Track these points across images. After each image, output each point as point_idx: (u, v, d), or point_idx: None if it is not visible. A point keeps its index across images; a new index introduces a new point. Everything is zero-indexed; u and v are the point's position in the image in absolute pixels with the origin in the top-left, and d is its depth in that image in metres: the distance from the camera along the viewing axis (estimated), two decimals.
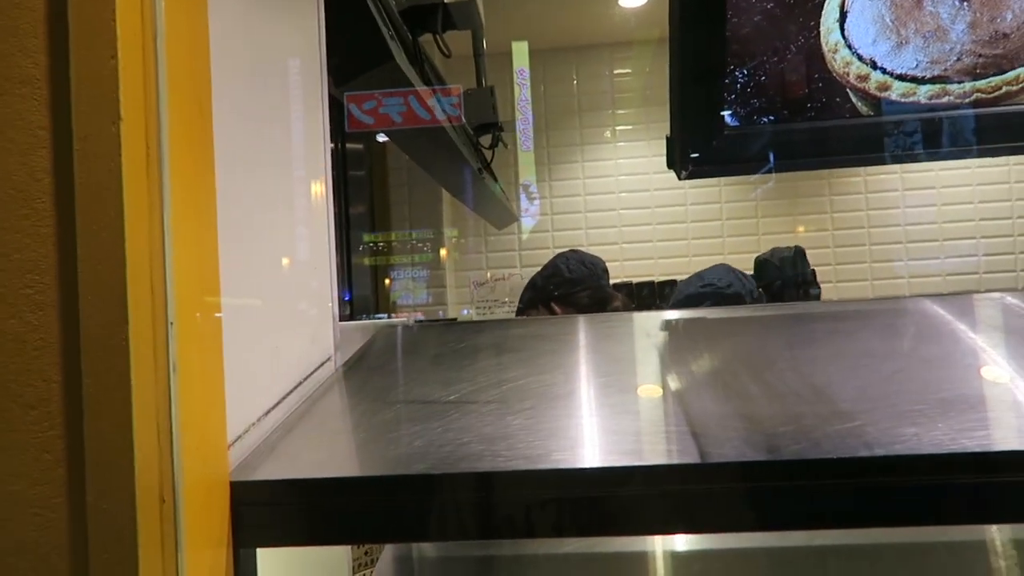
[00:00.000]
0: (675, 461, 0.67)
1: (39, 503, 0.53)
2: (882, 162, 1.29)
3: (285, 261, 0.93)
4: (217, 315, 0.65)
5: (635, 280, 3.99)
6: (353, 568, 1.15)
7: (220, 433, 0.65)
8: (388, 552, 1.28)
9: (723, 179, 4.12)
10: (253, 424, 0.77)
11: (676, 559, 1.25)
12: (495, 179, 3.23)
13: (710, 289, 2.02)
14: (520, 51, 3.56)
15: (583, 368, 1.00)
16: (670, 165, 1.29)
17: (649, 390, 0.90)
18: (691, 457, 0.68)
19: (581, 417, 0.82)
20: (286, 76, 0.98)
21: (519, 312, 2.33)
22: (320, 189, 1.06)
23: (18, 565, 0.53)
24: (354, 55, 1.28)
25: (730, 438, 0.71)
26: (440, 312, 4.22)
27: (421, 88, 1.71)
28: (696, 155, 1.21)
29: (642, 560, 1.24)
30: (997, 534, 1.18)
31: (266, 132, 0.89)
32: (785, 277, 2.53)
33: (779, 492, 0.65)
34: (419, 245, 4.07)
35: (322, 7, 1.10)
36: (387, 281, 4.12)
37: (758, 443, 0.70)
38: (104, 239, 0.53)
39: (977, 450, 0.65)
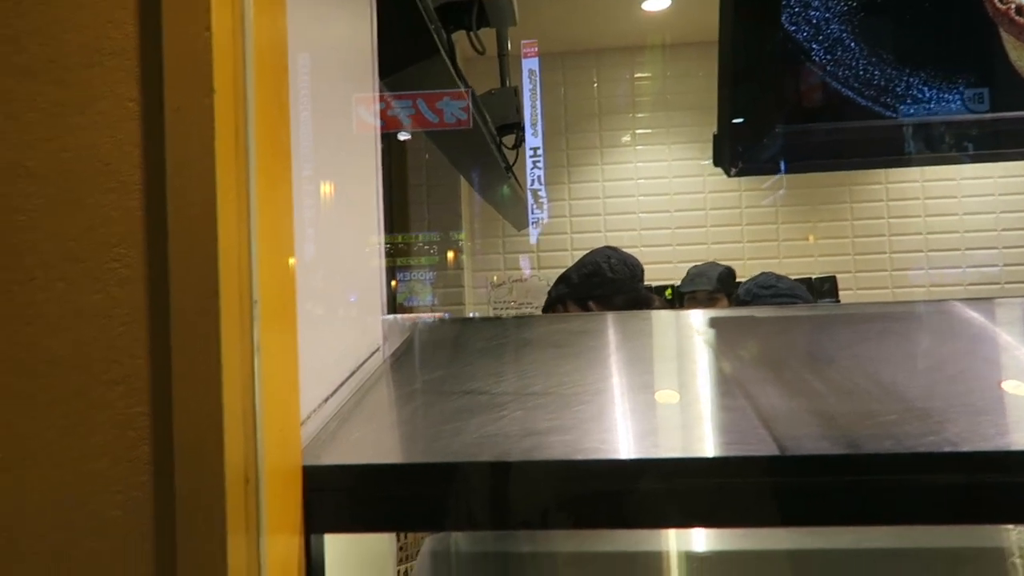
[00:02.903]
0: (754, 453, 0.66)
1: (122, 481, 0.52)
2: (957, 161, 1.28)
3: (341, 249, 0.92)
4: (293, 298, 0.64)
5: (654, 283, 3.97)
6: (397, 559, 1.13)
7: (295, 417, 0.64)
8: (426, 546, 1.26)
9: (743, 184, 4.11)
10: (313, 411, 0.76)
11: (719, 559, 1.23)
12: (517, 180, 3.22)
13: (773, 291, 2.11)
14: None
15: (636, 363, 0.99)
16: (717, 163, 1.28)
17: (709, 385, 0.89)
18: (769, 450, 0.66)
19: (646, 410, 0.81)
20: (341, 67, 0.97)
21: (547, 306, 2.31)
22: (372, 183, 1.05)
23: (98, 547, 0.52)
24: (400, 48, 1.27)
25: (806, 434, 0.69)
26: (446, 315, 4.21)
27: (433, 92, 1.70)
28: (746, 153, 1.20)
29: (693, 560, 1.23)
30: None
31: (324, 122, 0.88)
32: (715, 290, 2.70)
33: (861, 488, 0.64)
34: (432, 247, 4.06)
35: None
36: (394, 283, 4.10)
37: (837, 439, 0.68)
38: (196, 213, 0.52)
39: None
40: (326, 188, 0.87)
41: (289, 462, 0.62)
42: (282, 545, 0.59)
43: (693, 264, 2.98)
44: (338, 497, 0.65)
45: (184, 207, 0.52)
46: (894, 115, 1.18)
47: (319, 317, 0.81)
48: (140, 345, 0.53)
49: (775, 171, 1.29)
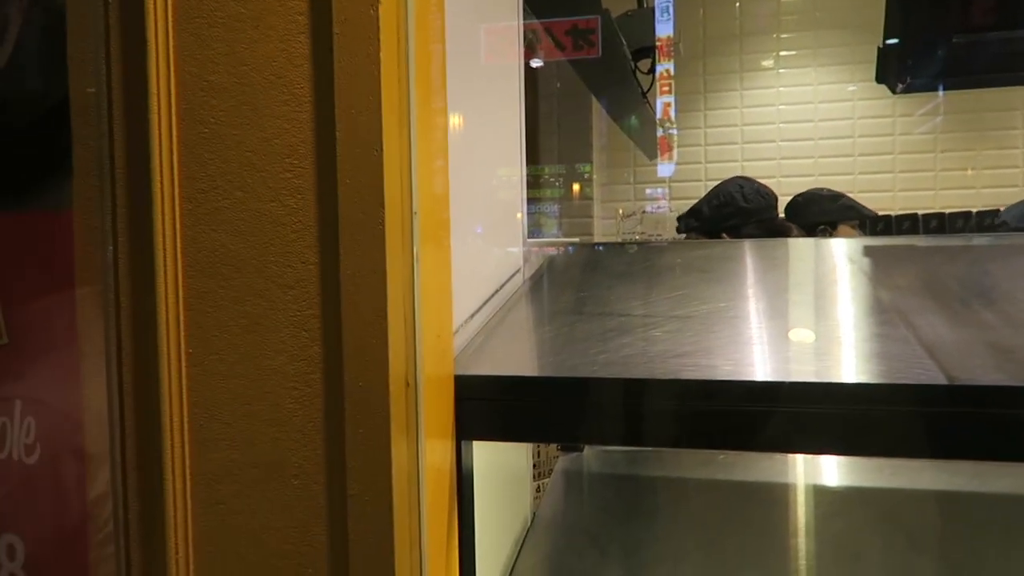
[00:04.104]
0: (918, 381, 0.62)
1: (297, 378, 0.56)
2: None
3: (486, 174, 0.92)
4: (447, 213, 0.65)
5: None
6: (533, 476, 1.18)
7: (448, 328, 0.66)
8: (560, 464, 1.30)
9: (897, 110, 3.80)
10: (462, 324, 0.79)
11: (855, 495, 1.19)
12: (651, 106, 3.12)
13: None
14: None
15: (787, 290, 0.95)
16: (881, 80, 1.18)
17: (867, 314, 0.85)
18: (935, 379, 0.63)
19: (800, 335, 0.78)
20: None
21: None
22: (516, 111, 1.05)
23: (277, 435, 0.57)
24: None
25: (979, 364, 0.65)
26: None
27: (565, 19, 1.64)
28: (916, 67, 1.10)
29: (824, 494, 1.20)
30: None
31: (471, 45, 0.87)
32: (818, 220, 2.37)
33: None
34: (559, 179, 4.03)
35: None
36: (518, 216, 4.09)
37: (1012, 371, 0.63)
38: (362, 123, 0.53)
39: None
40: (474, 113, 0.87)
41: (443, 370, 0.64)
42: (438, 448, 0.62)
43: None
44: (486, 406, 0.68)
45: (351, 118, 0.54)
46: None
47: (466, 237, 0.83)
48: (312, 251, 0.55)
49: (943, 88, 1.18)
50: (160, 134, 0.56)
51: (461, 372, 0.68)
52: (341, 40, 0.53)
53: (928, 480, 1.21)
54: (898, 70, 1.10)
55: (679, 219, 2.66)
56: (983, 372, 0.63)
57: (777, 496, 1.23)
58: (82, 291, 0.60)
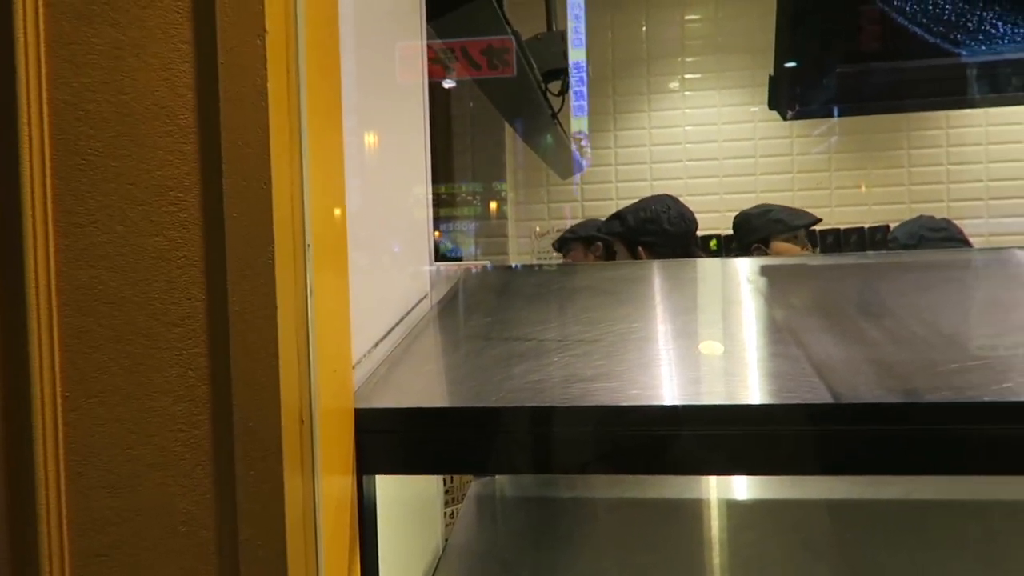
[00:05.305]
0: (806, 401, 0.65)
1: (183, 419, 0.54)
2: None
3: (389, 198, 0.91)
4: (344, 242, 0.64)
5: (700, 233, 3.90)
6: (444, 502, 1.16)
7: (347, 360, 0.65)
8: (472, 490, 1.29)
9: (795, 131, 3.99)
10: (364, 356, 0.77)
11: (761, 507, 1.23)
12: (563, 127, 3.17)
13: (944, 234, 2.01)
14: None
15: (686, 311, 0.97)
16: (772, 106, 1.24)
17: (760, 334, 0.88)
18: (822, 398, 0.65)
19: (695, 358, 0.80)
20: (389, 10, 0.95)
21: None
22: (420, 131, 1.05)
23: (163, 480, 0.54)
24: None
25: (863, 382, 0.68)
26: (489, 265, 4.22)
27: (478, 39, 1.67)
28: (804, 95, 1.16)
29: (734, 508, 1.23)
30: None
31: (372, 68, 0.87)
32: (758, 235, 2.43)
33: (920, 438, 0.63)
34: (476, 197, 4.04)
35: None
36: (436, 234, 4.11)
37: (893, 387, 0.67)
38: (250, 155, 0.52)
39: None
40: (375, 136, 0.86)
41: (341, 404, 0.63)
42: (336, 485, 0.60)
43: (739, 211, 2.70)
44: (388, 439, 0.67)
45: (238, 150, 0.52)
46: (963, 53, 1.12)
47: (369, 264, 0.82)
48: (198, 287, 0.53)
49: (833, 114, 1.24)
50: (31, 165, 0.53)
51: (362, 405, 0.67)
52: (226, 70, 0.52)
53: (827, 490, 1.26)
54: (788, 98, 1.15)
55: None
56: (867, 389, 0.66)
57: (688, 512, 1.25)
58: None
